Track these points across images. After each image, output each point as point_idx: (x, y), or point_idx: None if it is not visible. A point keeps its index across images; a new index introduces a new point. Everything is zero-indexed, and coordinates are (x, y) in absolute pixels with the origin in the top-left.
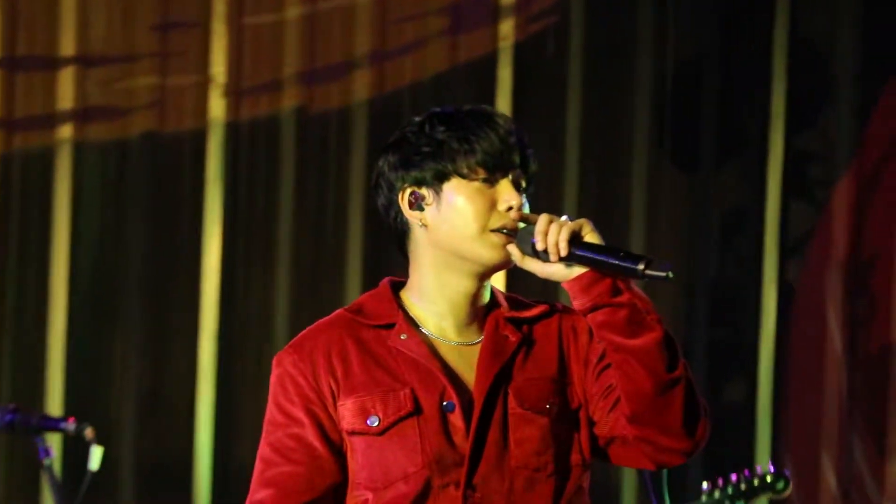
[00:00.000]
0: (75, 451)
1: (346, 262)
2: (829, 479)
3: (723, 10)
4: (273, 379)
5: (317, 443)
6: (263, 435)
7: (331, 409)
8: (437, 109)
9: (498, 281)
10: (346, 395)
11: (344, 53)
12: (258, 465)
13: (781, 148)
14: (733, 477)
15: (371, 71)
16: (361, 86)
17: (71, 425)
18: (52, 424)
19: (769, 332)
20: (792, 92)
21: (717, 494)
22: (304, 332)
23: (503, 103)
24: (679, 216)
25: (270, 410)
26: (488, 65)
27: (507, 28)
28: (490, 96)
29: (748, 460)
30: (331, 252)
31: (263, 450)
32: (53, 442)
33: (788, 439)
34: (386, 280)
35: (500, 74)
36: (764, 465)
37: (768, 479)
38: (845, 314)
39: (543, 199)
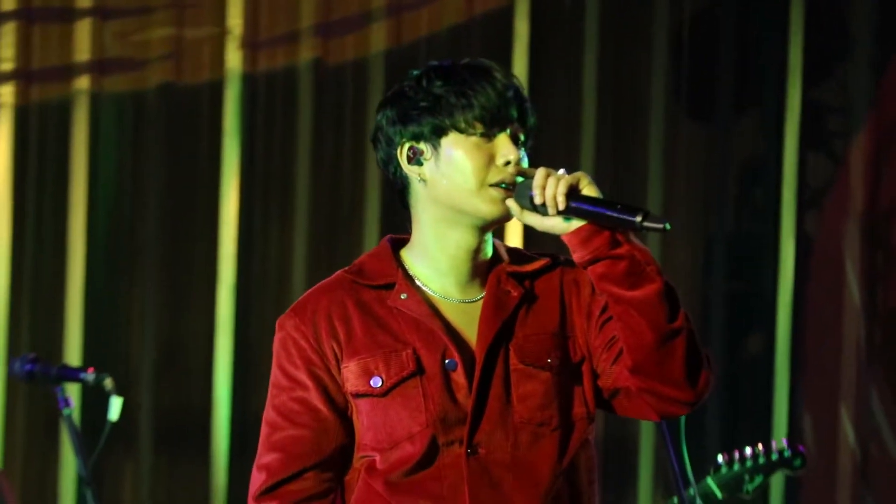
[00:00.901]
0: (95, 401)
1: (363, 214)
2: (847, 431)
3: None
4: (276, 342)
5: (321, 406)
6: (269, 398)
7: (334, 372)
8: (435, 63)
9: (515, 234)
10: (349, 357)
11: (360, 5)
12: (264, 428)
13: (799, 100)
14: (749, 451)
15: (387, 23)
16: (378, 38)
17: (90, 375)
18: (72, 374)
19: (787, 285)
20: (809, 44)
21: (736, 467)
22: (305, 294)
23: (519, 55)
24: (696, 168)
25: (274, 374)
26: (504, 16)
27: None
28: (506, 48)
29: (766, 413)
30: (348, 204)
31: (269, 413)
32: (73, 392)
33: (806, 392)
34: (386, 238)
35: (516, 26)
36: (779, 440)
37: (785, 454)
38: (863, 266)
39: (560, 152)
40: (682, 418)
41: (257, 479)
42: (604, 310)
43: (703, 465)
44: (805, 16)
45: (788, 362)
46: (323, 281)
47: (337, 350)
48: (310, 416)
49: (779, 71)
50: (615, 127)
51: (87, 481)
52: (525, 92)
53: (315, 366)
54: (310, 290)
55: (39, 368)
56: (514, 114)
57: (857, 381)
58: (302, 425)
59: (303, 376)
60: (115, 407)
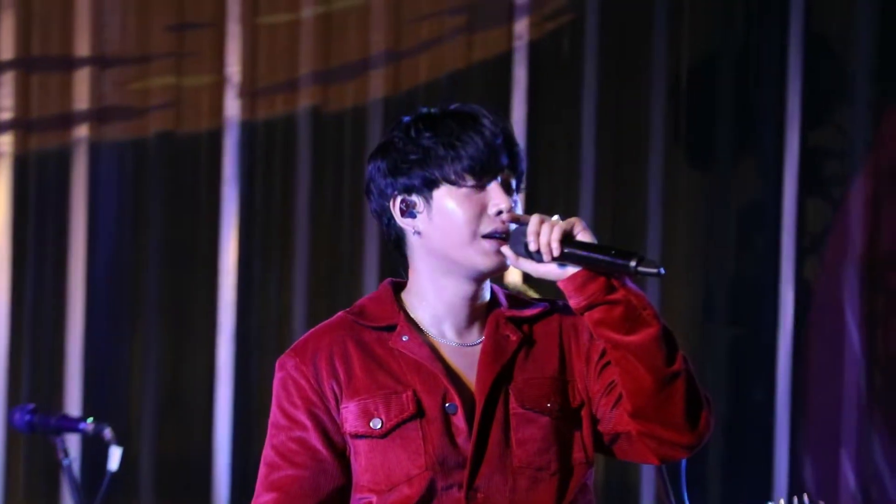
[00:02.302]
0: (95, 451)
1: (362, 261)
2: (849, 477)
3: (738, 6)
4: (276, 382)
5: (320, 446)
6: (268, 438)
7: (333, 412)
8: (424, 111)
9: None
10: (349, 397)
11: (359, 52)
12: (262, 468)
13: (798, 144)
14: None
15: (386, 70)
16: (377, 85)
17: (90, 426)
18: (72, 425)
19: (787, 330)
20: (808, 88)
21: None
22: (306, 335)
23: (518, 102)
24: (695, 214)
25: (274, 414)
26: (504, 63)
27: (522, 27)
28: (505, 95)
29: (767, 458)
30: (347, 251)
31: (267, 453)
32: (73, 442)
33: (807, 437)
34: (387, 281)
35: (515, 73)
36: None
37: None
38: (863, 311)
39: (559, 198)
40: (683, 462)
41: None
42: (602, 354)
43: None
44: (803, 60)
45: (789, 407)
46: (324, 321)
47: (337, 390)
48: (308, 456)
49: (777, 116)
50: (614, 173)
51: None
52: (514, 136)
53: (315, 406)
54: (311, 331)
55: (39, 419)
56: (505, 160)
57: (858, 427)
58: (300, 465)
59: (302, 416)
60: (115, 457)
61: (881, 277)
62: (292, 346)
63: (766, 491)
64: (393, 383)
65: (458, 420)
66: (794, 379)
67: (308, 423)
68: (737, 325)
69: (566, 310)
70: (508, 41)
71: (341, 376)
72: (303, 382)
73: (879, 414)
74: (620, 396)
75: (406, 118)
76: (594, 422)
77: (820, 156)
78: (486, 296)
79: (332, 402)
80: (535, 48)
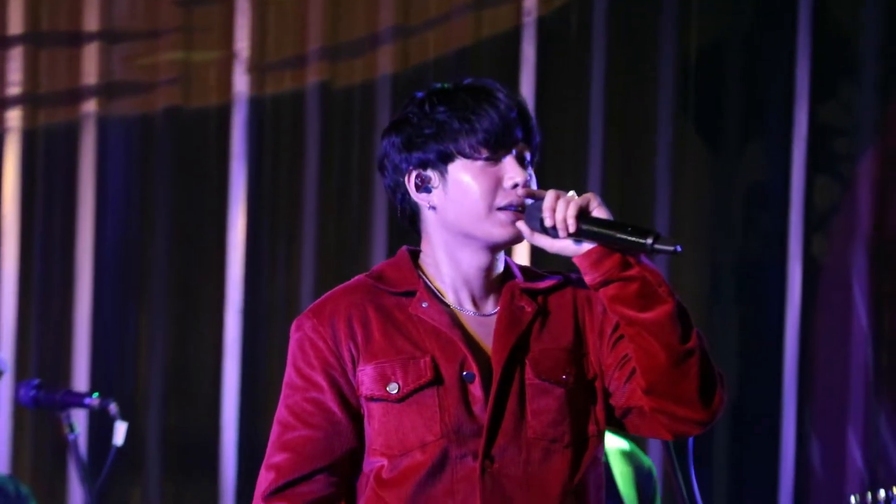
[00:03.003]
0: (100, 426)
1: (370, 237)
2: (855, 455)
3: None
4: (292, 343)
5: (335, 408)
6: (282, 398)
7: (350, 375)
8: (438, 86)
9: (523, 254)
10: (366, 360)
11: (367, 29)
12: (275, 428)
13: (806, 123)
14: (882, 494)
15: (395, 46)
16: (385, 61)
17: (95, 401)
18: (77, 400)
19: (794, 308)
20: (816, 66)
21: None
22: (324, 296)
23: (527, 79)
24: (703, 192)
25: (289, 374)
26: (512, 40)
27: (530, 3)
28: (514, 72)
29: (774, 436)
30: (355, 227)
31: (281, 413)
32: (78, 417)
33: (814, 416)
34: (404, 249)
35: (523, 50)
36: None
37: None
38: (871, 290)
39: (567, 176)
40: (690, 440)
41: (265, 479)
42: (615, 328)
43: (711, 489)
44: (811, 39)
45: (796, 386)
46: (343, 284)
47: (354, 352)
48: (323, 417)
49: (785, 94)
50: (622, 150)
51: None
52: (528, 110)
53: (331, 367)
54: (329, 292)
55: (44, 394)
56: (519, 134)
57: (865, 405)
58: (314, 426)
59: (318, 377)
60: (121, 432)
61: (889, 256)
62: (310, 307)
63: (774, 469)
64: (411, 348)
65: (475, 388)
66: (802, 358)
67: (324, 384)
68: (744, 303)
69: (579, 283)
70: (517, 18)
71: (359, 339)
72: (320, 344)
73: (886, 393)
74: (633, 370)
75: (419, 94)
76: (606, 395)
77: (828, 134)
78: (501, 267)
79: (350, 365)
80: (543, 25)
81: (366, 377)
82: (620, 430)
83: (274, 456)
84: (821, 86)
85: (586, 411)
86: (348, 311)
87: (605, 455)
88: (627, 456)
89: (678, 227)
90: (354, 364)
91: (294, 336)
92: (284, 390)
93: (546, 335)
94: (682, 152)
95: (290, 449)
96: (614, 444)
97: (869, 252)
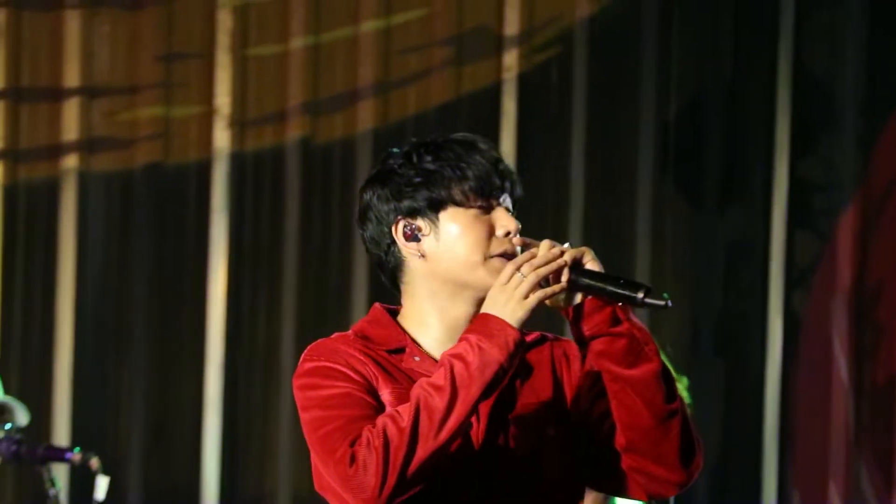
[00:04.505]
0: (82, 481)
1: (351, 291)
2: None
3: (726, 41)
4: (304, 380)
5: (369, 398)
6: (309, 427)
7: (374, 387)
8: (420, 140)
9: None
10: (382, 388)
11: (347, 84)
12: (323, 444)
13: (786, 178)
14: None
15: (375, 101)
16: (365, 116)
17: (76, 455)
18: (58, 455)
19: (775, 363)
20: (796, 122)
21: None
22: (318, 343)
23: (507, 134)
24: (684, 247)
25: (312, 401)
26: (492, 96)
27: (510, 59)
28: (494, 127)
29: (755, 490)
30: (336, 281)
31: (319, 422)
32: (60, 472)
33: (795, 469)
34: (378, 306)
35: (504, 105)
36: None
37: None
38: (851, 344)
39: (548, 229)
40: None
41: (360, 478)
42: (594, 384)
43: None
44: (791, 93)
45: (777, 439)
46: (328, 337)
47: (371, 378)
48: (360, 401)
49: (765, 149)
50: (602, 204)
51: None
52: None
53: (357, 383)
54: (322, 340)
55: (25, 449)
56: (507, 184)
57: (846, 458)
58: (356, 399)
59: (346, 388)
60: (102, 487)
61: (869, 310)
62: (310, 352)
63: None
64: None
65: (476, 436)
66: (783, 410)
67: (355, 392)
68: (725, 357)
69: (556, 340)
70: (497, 73)
71: (370, 374)
72: (340, 367)
73: (867, 445)
74: (612, 429)
75: (396, 149)
76: (585, 452)
77: (808, 189)
78: None
79: (373, 383)
80: (523, 80)
81: (386, 400)
82: (595, 488)
83: (339, 450)
84: (801, 140)
85: (569, 466)
86: (349, 354)
87: None
88: None
89: (659, 282)
90: (376, 385)
91: (307, 367)
92: (311, 417)
93: (527, 390)
94: (662, 207)
95: (354, 429)
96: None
97: (849, 306)
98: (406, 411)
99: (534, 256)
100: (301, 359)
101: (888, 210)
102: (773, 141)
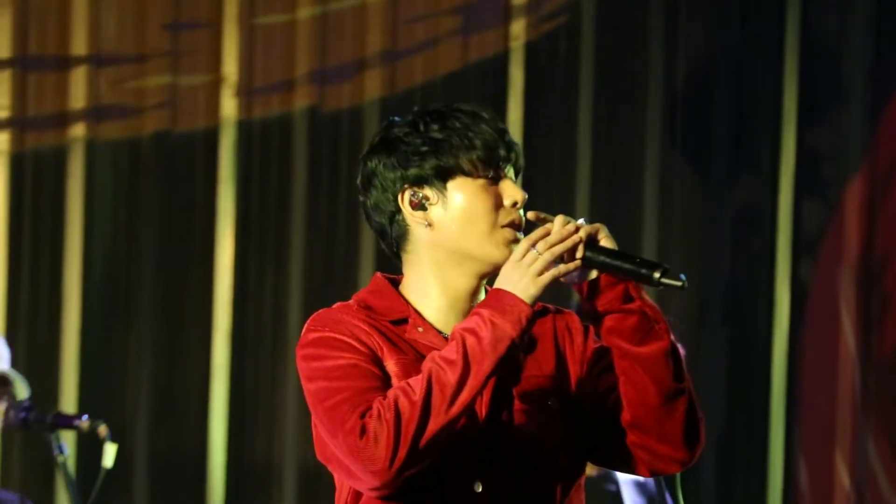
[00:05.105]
0: (90, 448)
1: (358, 260)
2: (843, 478)
3: (734, 9)
4: (309, 350)
5: (376, 369)
6: (314, 399)
7: (380, 357)
8: (425, 108)
9: None
10: (387, 358)
11: (356, 53)
12: (330, 409)
13: (794, 147)
14: None
15: (383, 70)
16: (373, 85)
17: (84, 422)
18: (66, 422)
19: (782, 332)
20: (804, 91)
21: None
22: (321, 313)
23: (514, 103)
24: (691, 216)
25: (317, 372)
26: (500, 64)
27: (518, 28)
28: (501, 96)
29: (762, 459)
30: (343, 250)
31: (326, 392)
32: (68, 439)
33: (802, 438)
34: (380, 276)
35: (511, 74)
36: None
37: None
38: (858, 312)
39: (555, 200)
40: None
41: (371, 451)
42: (599, 359)
43: None
44: (799, 62)
45: (784, 408)
46: (331, 307)
47: (376, 348)
48: (366, 371)
49: (773, 118)
50: (609, 174)
51: None
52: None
53: (363, 354)
54: (325, 310)
55: (34, 416)
56: (512, 155)
57: (853, 427)
58: (362, 369)
59: (352, 359)
60: (110, 454)
61: (876, 279)
62: (313, 322)
63: (762, 491)
64: (419, 370)
65: (480, 408)
66: (790, 380)
67: (361, 363)
68: (732, 326)
69: (557, 312)
70: (504, 42)
71: (376, 343)
72: (344, 338)
73: (874, 415)
74: (617, 404)
75: (398, 118)
76: (588, 426)
77: (816, 158)
78: (483, 295)
79: (379, 353)
80: (531, 50)
81: (391, 371)
82: (597, 463)
83: (348, 421)
84: (809, 110)
85: (571, 438)
86: (353, 324)
87: (618, 485)
88: (640, 486)
89: (666, 251)
90: (382, 356)
91: (309, 337)
92: (316, 388)
93: (530, 362)
94: (670, 176)
95: (363, 400)
96: (628, 476)
97: (856, 275)
98: (418, 385)
99: (548, 232)
100: (304, 329)
101: (895, 179)
102: (781, 110)
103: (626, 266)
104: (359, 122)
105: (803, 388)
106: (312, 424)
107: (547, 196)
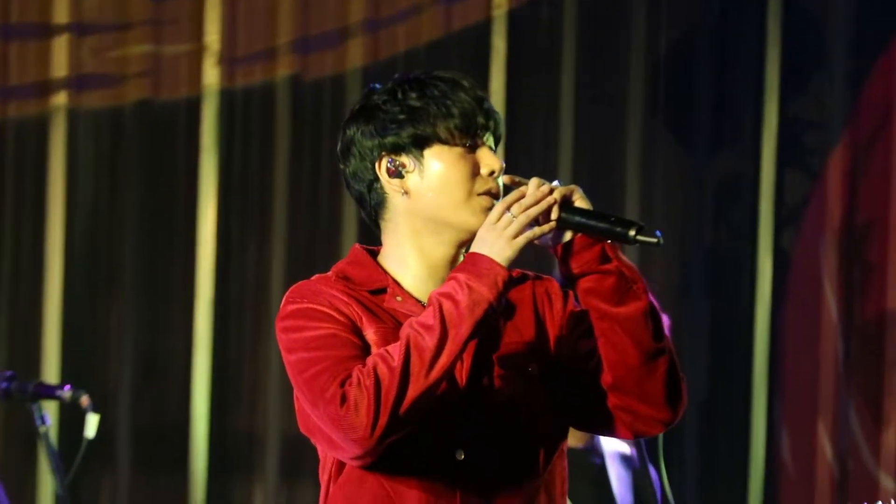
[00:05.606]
0: (72, 418)
1: (341, 229)
2: (826, 447)
3: None
4: (288, 322)
5: (355, 339)
6: (295, 370)
7: (359, 327)
8: (404, 76)
9: None
10: (368, 327)
11: (337, 21)
12: (310, 379)
13: (776, 117)
14: None
15: (365, 39)
16: (355, 54)
17: (67, 392)
18: (48, 392)
19: (765, 301)
20: (786, 59)
21: None
22: (300, 285)
23: (497, 71)
24: (673, 185)
25: (297, 343)
26: (482, 33)
27: None
28: (484, 64)
29: (744, 429)
30: (326, 219)
31: (305, 363)
32: (50, 409)
33: (784, 408)
34: (358, 246)
35: (493, 42)
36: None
37: None
38: (840, 282)
39: (536, 168)
40: (661, 435)
41: (352, 418)
42: (578, 323)
43: (682, 482)
44: (781, 32)
45: (766, 378)
46: (310, 279)
47: (355, 318)
48: (345, 340)
49: (755, 88)
50: (592, 143)
51: (65, 499)
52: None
53: (342, 324)
54: (304, 282)
55: (16, 386)
56: (491, 123)
57: (835, 397)
58: (342, 338)
59: (332, 329)
60: (92, 424)
61: (858, 248)
62: (292, 294)
63: (744, 462)
64: (398, 338)
65: (460, 375)
66: (772, 350)
67: (341, 333)
68: (714, 297)
69: (537, 278)
70: (487, 11)
71: (354, 313)
72: (323, 308)
73: (856, 384)
74: (597, 367)
75: (377, 85)
76: (569, 390)
77: (798, 127)
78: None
79: (358, 323)
80: (513, 17)
81: (371, 339)
82: (580, 427)
83: (328, 390)
84: (791, 79)
85: (551, 404)
86: (332, 295)
87: (603, 458)
88: (625, 459)
89: (648, 221)
90: (361, 325)
91: (290, 309)
92: (295, 358)
93: (509, 328)
94: (652, 146)
95: (343, 369)
96: (614, 447)
97: (839, 245)
98: (396, 351)
99: (523, 195)
100: (283, 301)
101: (878, 148)
102: (763, 79)
103: (601, 225)
104: (341, 91)
105: (785, 358)
106: (294, 397)
107: (529, 164)
